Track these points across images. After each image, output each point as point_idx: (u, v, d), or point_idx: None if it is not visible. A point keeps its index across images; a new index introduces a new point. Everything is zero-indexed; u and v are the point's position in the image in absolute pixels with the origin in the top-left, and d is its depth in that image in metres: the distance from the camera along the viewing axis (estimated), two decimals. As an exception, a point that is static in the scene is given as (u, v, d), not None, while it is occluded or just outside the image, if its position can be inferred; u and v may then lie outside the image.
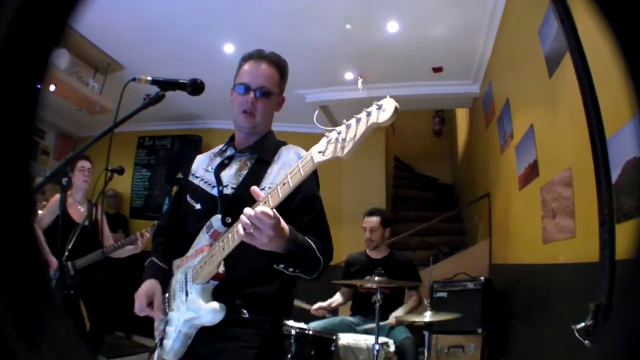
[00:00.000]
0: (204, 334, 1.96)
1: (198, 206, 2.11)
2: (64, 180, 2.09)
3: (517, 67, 4.85)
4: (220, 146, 2.29)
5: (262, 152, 2.09)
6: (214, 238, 1.93)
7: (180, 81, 2.02)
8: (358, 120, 1.42)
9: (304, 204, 1.99)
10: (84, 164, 4.78)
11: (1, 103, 0.63)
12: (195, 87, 2.04)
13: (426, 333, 4.11)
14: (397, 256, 4.79)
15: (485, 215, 6.63)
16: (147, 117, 7.93)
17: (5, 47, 0.62)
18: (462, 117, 9.88)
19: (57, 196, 4.67)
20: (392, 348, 3.82)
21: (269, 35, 5.45)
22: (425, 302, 4.32)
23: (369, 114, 1.40)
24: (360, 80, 6.72)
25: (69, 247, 4.21)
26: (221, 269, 1.91)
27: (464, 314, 4.15)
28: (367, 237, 4.67)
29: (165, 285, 2.13)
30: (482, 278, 5.28)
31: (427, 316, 3.89)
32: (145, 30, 5.71)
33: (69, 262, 4.42)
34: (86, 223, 4.60)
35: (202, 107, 7.83)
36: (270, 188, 1.87)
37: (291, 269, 1.81)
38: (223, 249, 1.82)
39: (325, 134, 1.51)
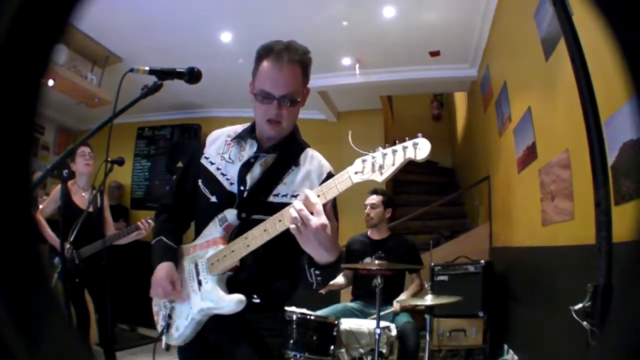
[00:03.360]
0: (214, 321, 1.98)
1: (214, 199, 2.06)
2: (65, 172, 2.10)
3: (514, 50, 4.85)
4: (237, 129, 2.20)
5: (287, 153, 2.06)
6: (227, 231, 1.96)
7: (178, 70, 2.02)
8: (394, 152, 1.63)
9: None
10: (83, 149, 4.78)
11: (2, 100, 0.64)
12: (193, 76, 2.04)
13: (428, 317, 4.13)
14: (400, 238, 4.82)
15: (485, 198, 6.65)
16: (146, 108, 7.92)
17: (7, 45, 0.63)
18: (460, 100, 9.87)
19: (59, 186, 4.69)
20: (393, 332, 3.84)
21: (265, 23, 5.44)
22: (426, 286, 4.34)
23: (405, 148, 1.61)
24: (357, 66, 6.71)
25: (74, 233, 4.22)
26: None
27: (465, 297, 4.17)
28: (366, 212, 4.71)
29: (176, 266, 2.11)
30: (483, 261, 5.30)
31: (429, 300, 3.91)
32: (143, 22, 5.68)
33: (73, 251, 4.44)
34: (91, 209, 4.59)
35: (201, 96, 7.81)
36: (286, 195, 1.97)
37: (320, 279, 1.83)
38: (247, 246, 1.85)
39: (362, 158, 1.67)
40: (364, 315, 4.32)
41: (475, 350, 5.22)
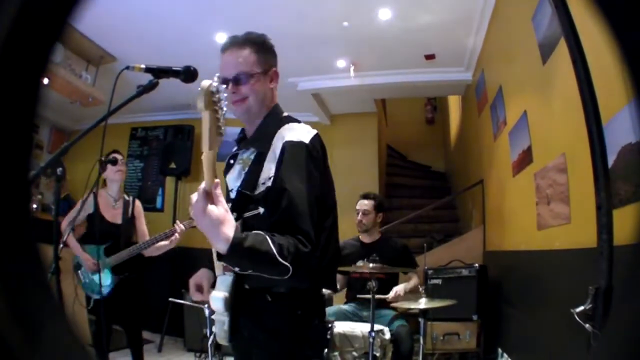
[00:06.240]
0: (246, 317, 1.89)
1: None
2: (59, 170, 2.07)
3: (511, 54, 4.84)
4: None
5: (259, 144, 1.97)
6: None
7: (174, 68, 2.01)
8: None
9: (271, 194, 1.82)
10: (115, 155, 4.43)
11: (2, 100, 0.63)
12: (189, 74, 2.03)
13: (421, 320, 4.11)
14: (391, 241, 4.79)
15: (479, 202, 6.64)
16: (139, 108, 7.90)
17: (8, 45, 0.61)
18: (454, 104, 9.88)
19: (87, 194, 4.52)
20: (387, 336, 3.82)
21: (260, 24, 5.31)
22: (420, 289, 4.32)
23: None
24: (352, 68, 6.70)
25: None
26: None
27: (459, 301, 4.16)
28: (359, 219, 4.65)
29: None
30: (477, 265, 5.30)
31: (422, 303, 3.90)
32: (138, 22, 5.65)
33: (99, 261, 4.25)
34: (119, 222, 4.47)
35: (194, 97, 7.77)
36: (264, 183, 1.84)
37: (237, 269, 1.72)
38: None
39: None
40: (358, 318, 4.30)
41: (469, 354, 5.22)
